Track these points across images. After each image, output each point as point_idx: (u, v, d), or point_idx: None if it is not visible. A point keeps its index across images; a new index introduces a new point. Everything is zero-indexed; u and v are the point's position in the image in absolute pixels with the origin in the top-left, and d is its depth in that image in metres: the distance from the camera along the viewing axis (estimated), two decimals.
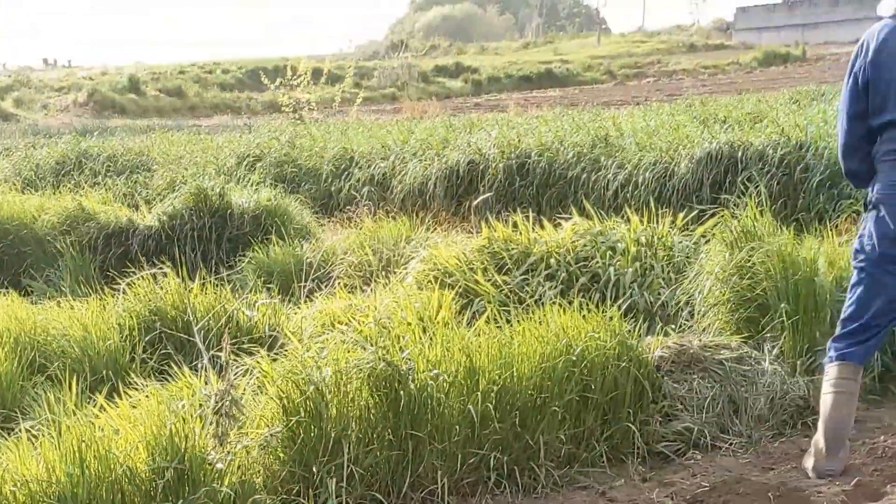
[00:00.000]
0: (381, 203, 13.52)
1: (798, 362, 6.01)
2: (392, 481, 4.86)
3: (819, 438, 5.22)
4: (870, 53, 5.27)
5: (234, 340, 5.27)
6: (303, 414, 4.75)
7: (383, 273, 8.52)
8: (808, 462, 5.23)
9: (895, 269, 5.15)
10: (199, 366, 4.85)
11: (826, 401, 5.27)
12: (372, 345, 5.11)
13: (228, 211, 11.18)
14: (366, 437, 4.85)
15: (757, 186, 8.94)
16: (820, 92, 20.35)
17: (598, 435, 5.37)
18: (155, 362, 6.36)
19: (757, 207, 6.70)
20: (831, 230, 7.48)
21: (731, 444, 5.49)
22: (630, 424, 5.41)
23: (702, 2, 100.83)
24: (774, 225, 6.67)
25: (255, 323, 6.72)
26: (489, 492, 5.02)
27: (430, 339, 5.29)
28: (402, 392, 4.91)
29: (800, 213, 9.95)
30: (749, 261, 6.38)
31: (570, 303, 5.80)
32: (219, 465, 4.37)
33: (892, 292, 5.20)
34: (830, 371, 5.30)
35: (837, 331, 5.36)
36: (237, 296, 7.35)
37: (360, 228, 10.14)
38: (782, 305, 6.07)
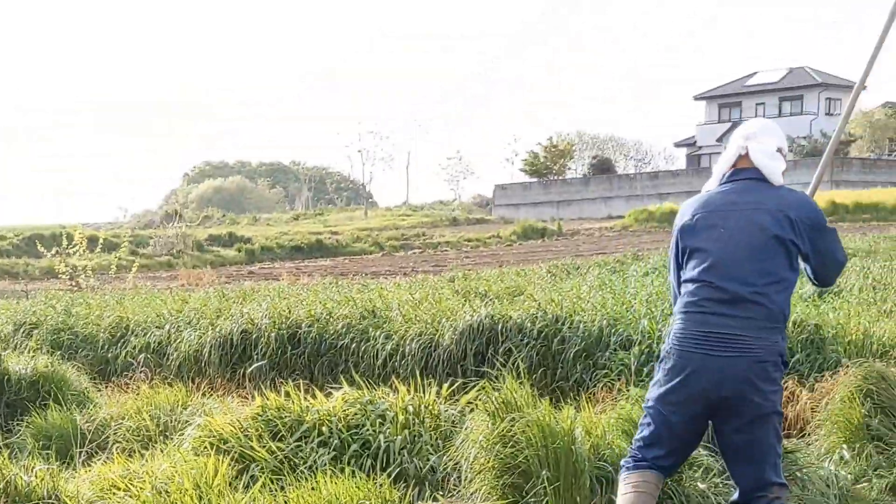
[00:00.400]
0: (158, 369, 13.34)
1: None
2: None
3: None
4: (683, 219, 5.92)
5: None
6: None
7: (161, 438, 8.41)
8: None
9: (682, 420, 5.62)
10: None
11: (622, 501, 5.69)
12: None
13: (6, 377, 10.89)
14: None
15: (515, 361, 9.26)
16: (575, 265, 21.17)
17: None
18: None
19: (516, 379, 6.94)
20: (588, 399, 7.79)
21: None
22: None
23: (462, 179, 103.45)
24: (533, 395, 6.91)
25: (33, 488, 6.54)
26: None
27: None
28: None
29: (559, 383, 10.30)
30: (510, 430, 6.58)
31: (343, 469, 5.87)
32: None
33: (677, 436, 5.66)
34: (625, 478, 5.72)
35: (634, 447, 5.80)
36: (15, 461, 7.14)
37: (138, 394, 9.99)
38: (543, 472, 6.27)
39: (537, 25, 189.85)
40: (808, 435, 6.87)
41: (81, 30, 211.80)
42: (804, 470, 7.09)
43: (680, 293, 5.88)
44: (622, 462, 5.91)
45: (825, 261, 5.86)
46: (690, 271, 5.79)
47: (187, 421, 8.49)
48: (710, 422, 5.84)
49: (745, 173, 5.95)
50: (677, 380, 5.62)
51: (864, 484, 7.58)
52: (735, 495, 5.87)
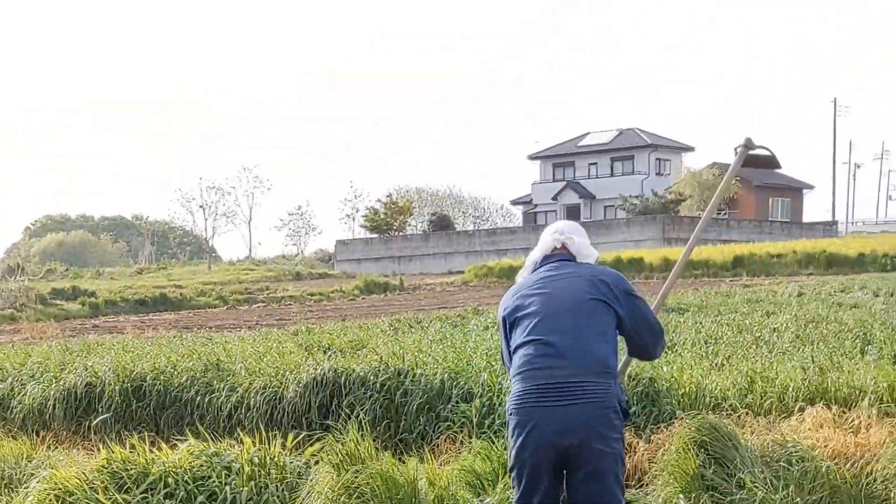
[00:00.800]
0: (2, 423, 12.94)
1: None
2: None
3: None
4: (506, 303, 6.17)
5: None
6: None
7: (5, 492, 8.12)
8: None
9: (531, 475, 5.69)
10: None
11: None
12: None
13: None
14: None
15: (358, 413, 9.19)
16: (417, 319, 21.19)
17: None
18: None
19: (360, 432, 6.87)
20: (431, 451, 7.76)
21: None
22: None
23: (304, 234, 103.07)
24: (377, 447, 6.86)
25: None
26: None
27: None
28: None
29: (402, 435, 10.25)
30: (355, 482, 6.51)
31: None
32: None
33: (539, 493, 5.74)
34: None
35: None
36: None
37: None
38: None
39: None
40: (647, 485, 6.96)
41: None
42: None
43: (509, 357, 6.02)
44: None
45: (639, 325, 6.08)
46: (520, 336, 5.94)
47: (32, 474, 8.24)
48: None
49: (558, 256, 6.29)
50: (522, 437, 5.70)
51: None
52: None
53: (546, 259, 6.30)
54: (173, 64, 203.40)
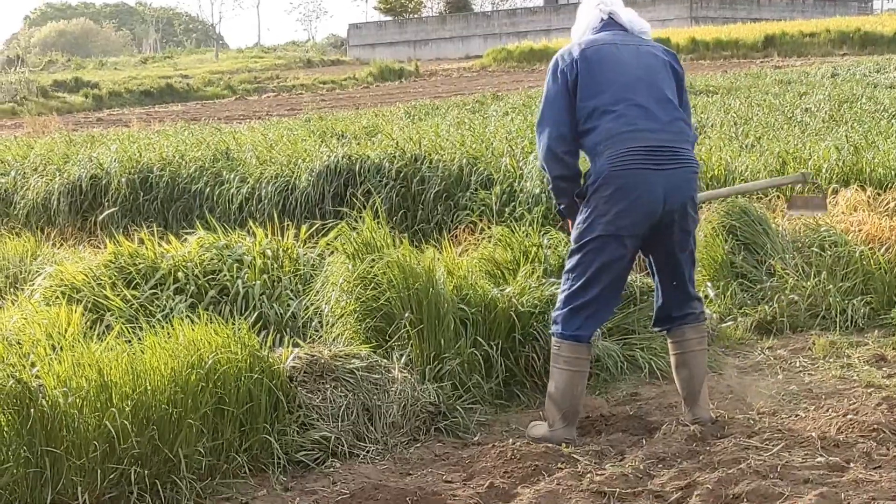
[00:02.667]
0: (5, 219, 12.94)
1: (426, 369, 6.10)
2: (32, 498, 4.63)
3: (554, 412, 5.71)
4: (571, 57, 5.75)
5: None
6: None
7: (10, 290, 8.13)
8: (539, 431, 5.75)
9: (622, 245, 5.58)
10: None
11: (562, 378, 5.69)
12: (0, 362, 4.88)
13: None
14: (0, 456, 4.63)
15: (374, 202, 9.09)
16: (434, 106, 20.98)
17: (237, 446, 5.26)
18: None
19: (375, 219, 6.77)
20: (450, 240, 7.70)
21: (368, 452, 5.50)
22: (268, 435, 5.35)
23: (315, 19, 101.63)
24: (393, 236, 6.77)
25: None
26: None
27: (60, 355, 5.07)
28: (33, 409, 4.67)
29: (420, 225, 10.20)
30: (371, 271, 6.44)
31: (200, 316, 5.69)
32: None
33: (617, 268, 5.64)
34: (563, 348, 5.68)
35: (560, 308, 5.73)
36: None
37: None
38: (406, 315, 6.17)
39: None
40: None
41: None
42: None
43: (581, 129, 5.70)
44: (553, 325, 5.81)
45: (687, 114, 5.92)
46: (605, 95, 5.65)
47: (37, 271, 8.21)
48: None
49: (616, 26, 5.95)
50: (626, 199, 5.55)
51: (730, 322, 7.69)
52: (656, 317, 6.00)
53: (603, 27, 5.93)
54: None
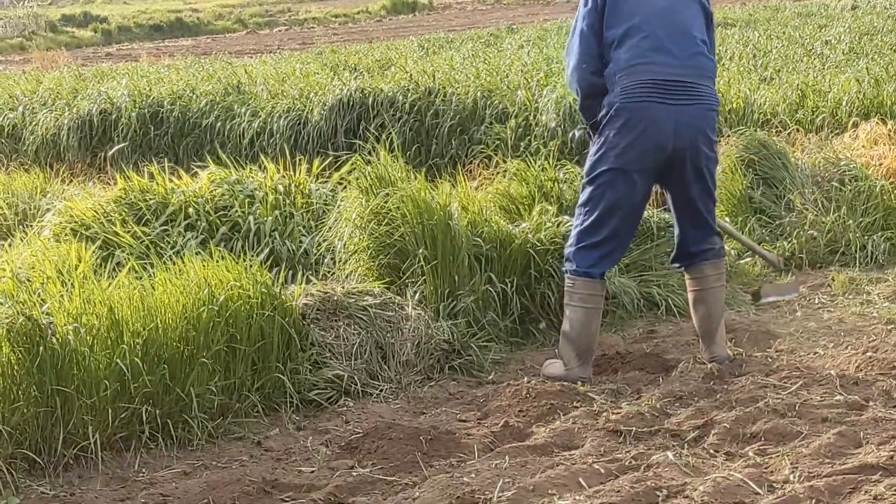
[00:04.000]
0: (14, 155, 12.91)
1: (440, 307, 6.06)
2: (43, 438, 4.63)
3: (568, 351, 5.69)
4: None
5: None
6: None
7: (19, 227, 8.11)
8: (555, 370, 5.72)
9: (634, 180, 5.57)
10: None
11: (577, 315, 5.68)
12: (10, 299, 4.87)
13: None
14: (10, 395, 4.62)
15: (389, 133, 9.01)
16: (448, 39, 20.81)
17: (249, 385, 5.27)
18: None
19: (389, 153, 6.71)
20: (464, 175, 7.64)
21: (381, 391, 5.51)
22: (280, 374, 5.35)
23: None
24: (407, 170, 6.71)
25: None
26: (143, 446, 4.85)
27: (70, 292, 5.05)
28: (43, 347, 4.66)
29: (434, 159, 10.15)
30: (385, 206, 6.39)
31: (211, 253, 5.66)
32: None
33: (629, 203, 5.62)
34: (577, 285, 5.67)
35: (573, 244, 5.73)
36: None
37: None
38: (420, 251, 6.12)
39: None
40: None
41: None
42: None
43: (590, 47, 5.70)
44: (566, 262, 5.80)
45: (712, 52, 5.89)
46: (624, 27, 5.63)
47: (47, 208, 8.19)
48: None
49: None
50: (634, 133, 5.54)
51: (748, 259, 7.63)
52: (675, 253, 6.02)
53: None
54: None
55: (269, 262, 6.49)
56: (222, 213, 7.24)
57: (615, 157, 5.58)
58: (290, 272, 6.50)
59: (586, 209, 5.67)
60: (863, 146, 8.99)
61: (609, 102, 5.62)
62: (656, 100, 5.53)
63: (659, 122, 5.53)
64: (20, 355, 4.68)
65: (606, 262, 5.75)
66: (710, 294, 5.82)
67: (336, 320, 5.67)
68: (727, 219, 6.82)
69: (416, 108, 10.68)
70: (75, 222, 7.06)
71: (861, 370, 5.45)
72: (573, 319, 5.71)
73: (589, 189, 5.67)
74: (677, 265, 6.06)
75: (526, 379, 5.55)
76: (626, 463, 4.49)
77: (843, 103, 10.02)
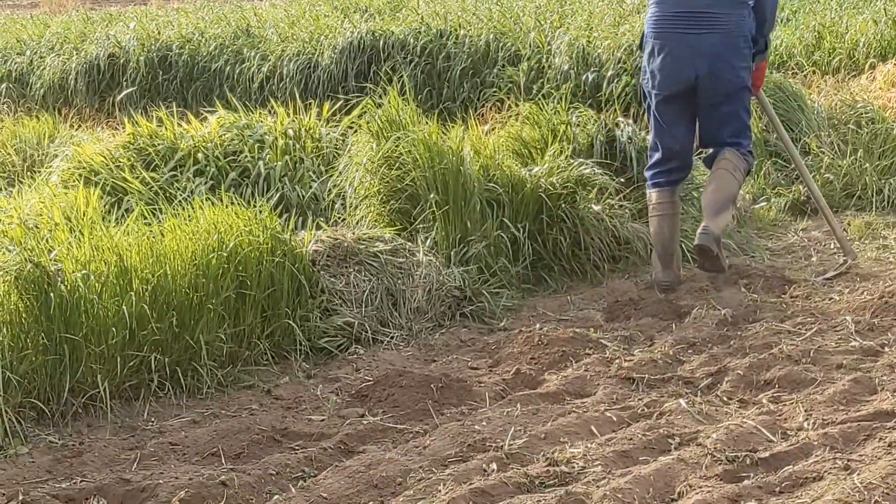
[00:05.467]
0: (22, 101, 12.86)
1: (452, 253, 6.03)
2: (51, 386, 4.62)
3: (654, 259, 6.24)
4: None
5: None
6: None
7: (28, 173, 8.08)
8: (651, 278, 6.26)
9: (670, 103, 6.16)
10: None
11: (651, 223, 6.29)
12: (17, 246, 4.85)
13: None
14: (19, 343, 4.60)
15: (400, 76, 8.94)
16: None
17: (259, 333, 5.25)
18: None
19: (400, 96, 6.65)
20: (476, 119, 7.58)
21: (392, 338, 5.49)
22: (290, 321, 5.33)
23: None
24: (419, 114, 6.66)
25: None
26: (153, 394, 4.85)
27: (78, 239, 5.03)
28: (52, 294, 4.64)
29: (445, 103, 10.08)
30: (396, 151, 6.34)
31: (221, 199, 5.63)
32: None
33: (674, 123, 6.21)
34: (650, 197, 6.31)
35: (648, 161, 6.43)
36: None
37: (1, 127, 9.56)
38: (432, 196, 6.08)
39: None
40: (703, 152, 6.84)
41: None
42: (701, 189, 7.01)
43: None
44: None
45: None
46: None
47: (55, 154, 8.16)
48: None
49: None
50: (658, 60, 6.13)
51: (763, 203, 7.59)
52: (704, 159, 6.54)
53: None
54: None
55: (279, 208, 6.45)
56: (232, 158, 7.21)
57: (649, 81, 6.24)
58: (300, 218, 6.48)
59: (649, 126, 6.44)
60: (880, 88, 8.93)
61: (644, 32, 6.28)
62: (678, 30, 6.06)
63: (677, 51, 6.06)
64: (28, 303, 4.66)
65: (668, 174, 6.28)
66: (720, 174, 6.16)
67: (346, 267, 5.64)
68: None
69: (427, 50, 10.59)
70: (83, 168, 7.03)
71: (877, 315, 5.43)
72: (650, 228, 6.30)
73: (647, 110, 6.43)
74: (706, 159, 6.47)
75: (538, 326, 5.53)
76: (639, 411, 4.49)
77: (861, 45, 9.94)
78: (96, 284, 4.83)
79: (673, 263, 6.18)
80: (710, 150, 6.37)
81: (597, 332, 5.43)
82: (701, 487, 3.70)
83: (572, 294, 6.19)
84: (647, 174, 6.37)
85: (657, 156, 6.31)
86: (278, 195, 6.85)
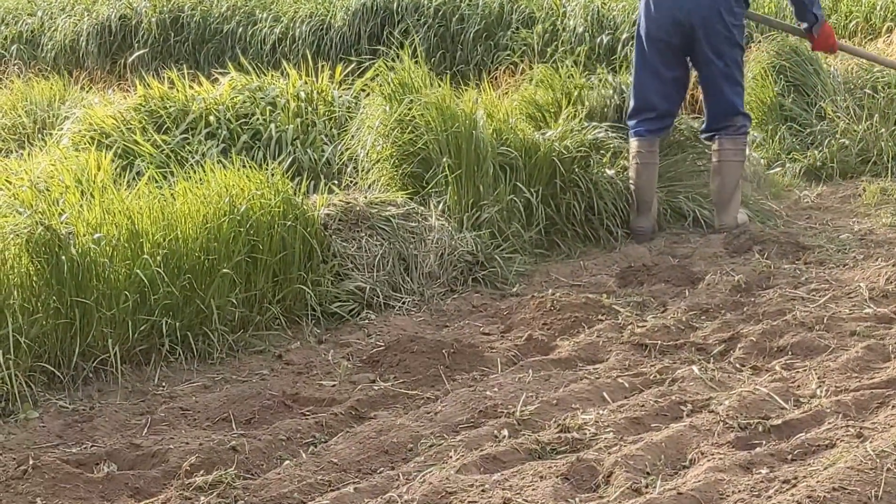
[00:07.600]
0: (32, 62, 12.84)
1: (464, 217, 6.00)
2: (62, 351, 4.60)
3: (632, 205, 6.49)
4: None
5: None
6: None
7: (38, 135, 8.07)
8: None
9: (658, 50, 6.43)
10: None
11: (631, 171, 6.52)
12: (28, 209, 4.83)
13: None
14: (29, 306, 4.58)
15: (413, 39, 8.90)
16: None
17: (270, 297, 5.23)
18: None
19: (413, 59, 6.61)
20: (489, 82, 7.54)
21: (404, 303, 5.47)
22: (302, 285, 5.31)
23: None
24: (432, 77, 6.63)
25: None
26: (163, 359, 4.83)
27: (90, 202, 5.02)
28: (63, 257, 4.63)
29: (459, 66, 10.05)
30: (409, 114, 6.32)
31: (233, 162, 5.61)
32: None
33: (657, 72, 6.48)
34: (631, 146, 6.57)
35: (629, 111, 6.68)
36: None
37: (11, 89, 9.55)
38: (444, 159, 6.05)
39: None
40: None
41: None
42: None
43: None
44: None
45: None
46: None
47: (66, 116, 8.15)
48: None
49: None
50: (652, 10, 6.37)
51: (778, 168, 7.55)
52: (703, 126, 6.75)
53: None
54: None
55: (290, 172, 6.43)
56: (243, 120, 7.19)
57: (640, 27, 6.51)
58: (312, 182, 6.46)
59: (632, 73, 6.71)
60: None
61: None
62: None
63: (669, 5, 6.31)
64: (39, 266, 4.64)
65: (647, 123, 6.51)
66: (725, 166, 6.46)
67: (358, 231, 5.62)
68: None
69: (440, 12, 10.56)
70: (95, 131, 7.03)
71: (891, 282, 5.40)
72: (630, 175, 6.51)
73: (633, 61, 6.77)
74: (705, 137, 6.72)
75: (550, 291, 5.51)
76: (651, 377, 4.47)
77: (878, 7, 9.86)
78: (107, 248, 4.82)
79: (649, 211, 6.48)
80: (707, 121, 6.66)
81: (609, 298, 5.42)
82: (713, 454, 3.69)
83: (585, 259, 6.17)
84: (629, 123, 6.63)
85: (638, 105, 6.58)
86: (290, 158, 6.83)
